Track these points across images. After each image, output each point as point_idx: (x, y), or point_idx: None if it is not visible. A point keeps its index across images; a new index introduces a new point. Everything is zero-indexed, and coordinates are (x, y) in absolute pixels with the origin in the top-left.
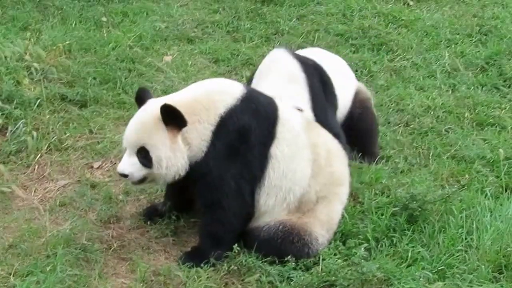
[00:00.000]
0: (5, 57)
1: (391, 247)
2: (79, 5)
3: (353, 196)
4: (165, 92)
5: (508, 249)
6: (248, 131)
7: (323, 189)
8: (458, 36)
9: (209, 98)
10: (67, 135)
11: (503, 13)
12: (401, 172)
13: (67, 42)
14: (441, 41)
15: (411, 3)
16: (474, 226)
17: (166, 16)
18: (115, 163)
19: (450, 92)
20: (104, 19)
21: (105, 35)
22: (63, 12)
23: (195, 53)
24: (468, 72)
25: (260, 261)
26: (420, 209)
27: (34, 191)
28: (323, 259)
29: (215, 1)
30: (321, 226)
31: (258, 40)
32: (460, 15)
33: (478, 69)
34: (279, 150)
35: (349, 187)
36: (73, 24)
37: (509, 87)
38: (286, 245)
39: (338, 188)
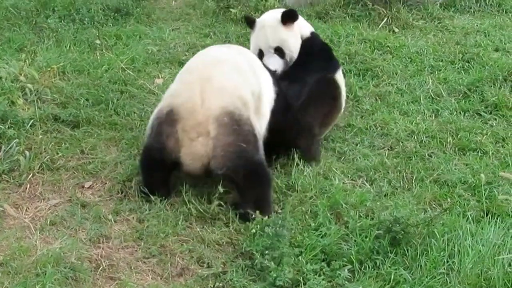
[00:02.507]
0: (0, 78)
1: (374, 269)
2: (73, 28)
3: (338, 217)
4: None
5: (489, 272)
6: None
7: None
8: (441, 63)
9: None
10: (59, 155)
11: (485, 41)
12: (385, 195)
13: (61, 64)
14: (425, 67)
15: (396, 30)
16: (455, 249)
17: (158, 39)
18: (105, 183)
19: (433, 117)
20: (98, 41)
21: (98, 57)
22: (58, 35)
23: None
24: (451, 98)
25: (245, 280)
26: (403, 232)
27: (26, 210)
28: (307, 280)
29: (206, 25)
30: None
31: None
32: (443, 43)
33: (461, 95)
34: None
35: None
36: (68, 46)
37: (490, 113)
38: None
39: None
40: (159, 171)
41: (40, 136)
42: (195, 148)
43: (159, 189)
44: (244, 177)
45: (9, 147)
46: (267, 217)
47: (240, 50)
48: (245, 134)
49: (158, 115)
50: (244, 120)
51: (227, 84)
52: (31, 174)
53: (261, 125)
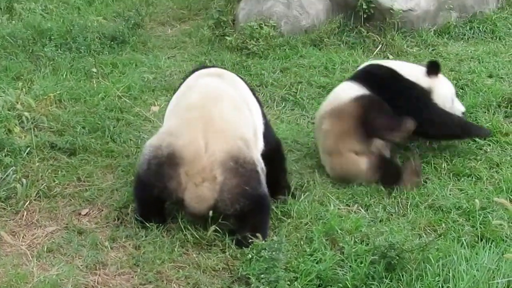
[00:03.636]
0: None
1: None
2: (70, 56)
3: (333, 243)
4: None
5: None
6: None
7: None
8: None
9: None
10: (55, 182)
11: (479, 68)
12: (380, 221)
13: (58, 92)
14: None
15: (391, 57)
16: (450, 274)
17: (154, 67)
18: (102, 210)
19: (427, 143)
20: (94, 70)
21: (95, 85)
22: (55, 63)
23: None
24: None
25: None
26: (398, 258)
27: (23, 237)
28: None
29: (202, 53)
30: None
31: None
32: None
33: None
34: None
35: None
36: (64, 75)
37: (484, 139)
38: None
39: None
40: (156, 204)
41: (37, 164)
42: (201, 192)
43: (155, 218)
44: (249, 211)
45: (6, 175)
46: (264, 241)
47: (231, 80)
48: (249, 175)
49: (157, 153)
50: (247, 160)
51: (229, 125)
52: (28, 202)
53: (258, 157)
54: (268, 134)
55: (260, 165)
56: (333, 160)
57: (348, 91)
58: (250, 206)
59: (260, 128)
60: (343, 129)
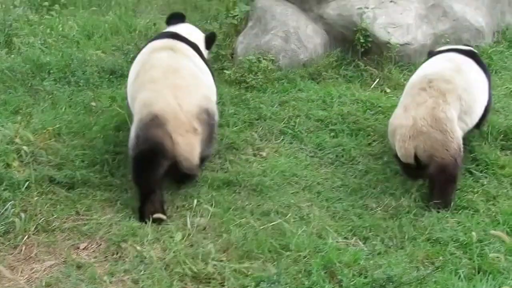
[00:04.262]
0: None
1: None
2: (69, 90)
3: (332, 276)
4: None
5: None
6: None
7: None
8: None
9: None
10: (54, 216)
11: None
12: (379, 253)
13: (57, 126)
14: None
15: (388, 90)
16: None
17: None
18: (100, 244)
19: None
20: (93, 103)
21: (93, 119)
22: (54, 97)
23: None
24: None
25: None
26: None
27: (21, 272)
28: None
29: None
30: None
31: (242, 124)
32: None
33: None
34: None
35: None
36: (63, 108)
37: (481, 171)
38: None
39: None
40: (156, 171)
41: (36, 198)
42: (189, 141)
43: (157, 189)
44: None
45: (4, 209)
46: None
47: (183, 52)
48: (213, 124)
49: (141, 125)
50: (213, 112)
51: (192, 88)
52: (27, 236)
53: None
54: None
55: (217, 117)
56: None
57: None
58: (212, 151)
59: (214, 88)
60: None
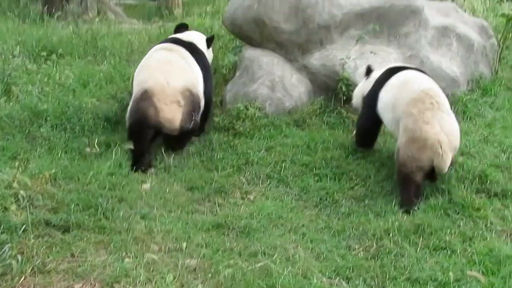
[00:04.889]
0: None
1: None
2: (65, 136)
3: None
4: (144, 217)
5: None
6: None
7: None
8: None
9: None
10: (50, 258)
11: None
12: None
13: (53, 171)
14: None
15: None
16: None
17: None
18: (95, 285)
19: (405, 217)
20: (88, 149)
21: (88, 164)
22: (50, 143)
23: (171, 181)
24: (422, 199)
25: None
26: None
27: None
28: None
29: None
30: None
31: (230, 169)
32: None
33: (431, 196)
34: None
35: None
36: (59, 154)
37: (457, 213)
38: None
39: None
40: (144, 137)
41: (32, 241)
42: (172, 110)
43: (146, 153)
44: (188, 131)
45: (1, 252)
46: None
47: (178, 52)
48: (196, 105)
49: (134, 99)
50: (196, 94)
51: (181, 74)
52: (23, 277)
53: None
54: (207, 90)
55: (201, 102)
56: None
57: None
58: (190, 127)
59: (201, 84)
60: None
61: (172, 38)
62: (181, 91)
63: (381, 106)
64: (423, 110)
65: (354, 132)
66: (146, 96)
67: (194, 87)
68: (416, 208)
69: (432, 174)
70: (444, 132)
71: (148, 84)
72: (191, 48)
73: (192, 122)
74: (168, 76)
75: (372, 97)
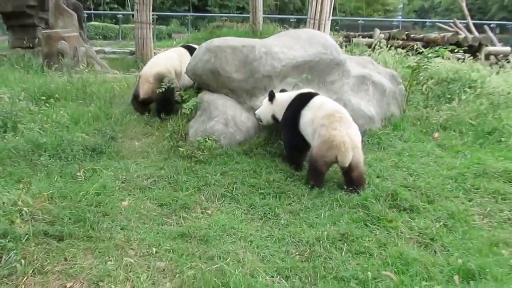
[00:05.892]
0: (3, 203)
1: None
2: (60, 164)
3: None
4: (123, 228)
5: None
6: None
7: None
8: (337, 186)
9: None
10: (47, 262)
11: (369, 170)
12: None
13: (50, 192)
14: (325, 191)
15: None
16: None
17: (125, 171)
18: (83, 283)
19: (332, 227)
20: (78, 174)
21: (79, 186)
22: (48, 169)
23: (145, 199)
24: (345, 210)
25: None
26: None
27: None
28: None
29: (161, 160)
30: None
31: (192, 189)
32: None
33: (353, 209)
34: None
35: None
36: (55, 178)
37: (374, 224)
38: None
39: None
40: (137, 103)
41: (33, 247)
42: (146, 86)
43: (140, 111)
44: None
45: (8, 257)
46: None
47: (178, 50)
48: (168, 86)
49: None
50: (170, 79)
51: (162, 63)
52: (26, 277)
53: (182, 82)
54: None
55: (176, 87)
56: None
57: None
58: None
59: (180, 68)
60: None
61: (183, 45)
62: (154, 75)
63: (303, 122)
64: (333, 122)
65: (285, 153)
66: (139, 80)
67: (168, 73)
68: (341, 221)
69: (351, 179)
70: (347, 135)
71: (141, 73)
72: (189, 49)
73: (162, 101)
74: (154, 65)
75: (293, 117)
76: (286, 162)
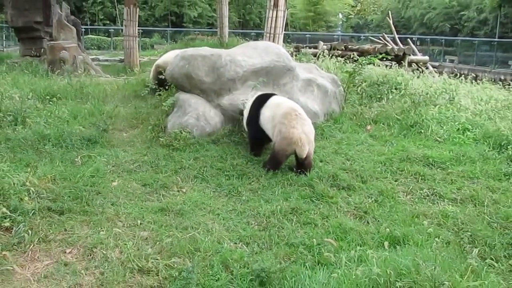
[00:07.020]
0: (14, 184)
1: None
2: (61, 151)
3: (226, 268)
4: (113, 204)
5: None
6: None
7: None
8: (289, 170)
9: None
10: (50, 232)
11: (314, 155)
12: (256, 253)
13: (53, 174)
14: (278, 173)
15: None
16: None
17: (115, 157)
18: (80, 250)
19: (284, 202)
20: (76, 159)
21: (76, 169)
22: (51, 155)
23: (131, 180)
24: (295, 188)
25: None
26: (267, 277)
27: (27, 268)
28: None
29: (144, 148)
30: None
31: (170, 172)
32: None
33: (302, 188)
34: None
35: None
36: (57, 163)
37: (318, 200)
38: None
39: None
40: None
41: (38, 220)
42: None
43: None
44: None
45: (18, 228)
46: None
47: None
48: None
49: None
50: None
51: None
52: (32, 245)
53: None
54: None
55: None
56: None
57: None
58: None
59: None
60: None
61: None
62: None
63: (263, 119)
64: (291, 120)
65: (248, 142)
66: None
67: (164, 63)
68: (291, 198)
69: (302, 165)
70: (303, 132)
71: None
72: None
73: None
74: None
75: (255, 115)
76: (250, 150)
